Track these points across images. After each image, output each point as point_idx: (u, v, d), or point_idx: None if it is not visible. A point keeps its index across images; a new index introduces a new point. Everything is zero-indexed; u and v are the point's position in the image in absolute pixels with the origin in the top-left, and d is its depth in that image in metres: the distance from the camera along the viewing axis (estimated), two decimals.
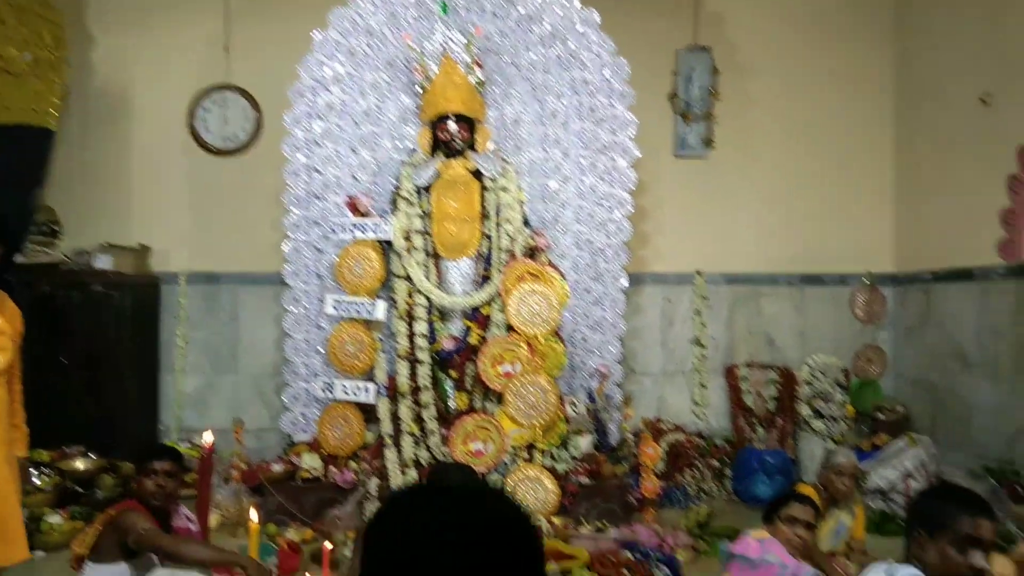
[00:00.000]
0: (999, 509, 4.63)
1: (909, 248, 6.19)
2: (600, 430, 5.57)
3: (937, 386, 5.83)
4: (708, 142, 6.31)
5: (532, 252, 5.12)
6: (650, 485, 5.33)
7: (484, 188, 5.25)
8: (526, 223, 5.29)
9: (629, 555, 4.19)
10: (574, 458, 5.08)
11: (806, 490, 3.49)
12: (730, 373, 6.34)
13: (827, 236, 6.34)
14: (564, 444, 5.14)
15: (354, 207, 5.14)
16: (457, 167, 5.22)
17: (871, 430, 6.06)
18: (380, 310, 5.06)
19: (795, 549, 2.66)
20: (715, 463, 5.96)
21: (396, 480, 4.84)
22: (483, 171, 5.23)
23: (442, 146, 5.23)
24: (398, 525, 0.96)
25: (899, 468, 5.18)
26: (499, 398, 4.92)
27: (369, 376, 5.11)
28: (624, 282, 5.63)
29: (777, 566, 2.57)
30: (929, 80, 6.05)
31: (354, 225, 5.10)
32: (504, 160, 5.36)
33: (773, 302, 6.41)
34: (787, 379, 6.20)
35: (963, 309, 5.52)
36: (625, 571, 3.98)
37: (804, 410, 6.12)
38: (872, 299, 6.27)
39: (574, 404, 5.31)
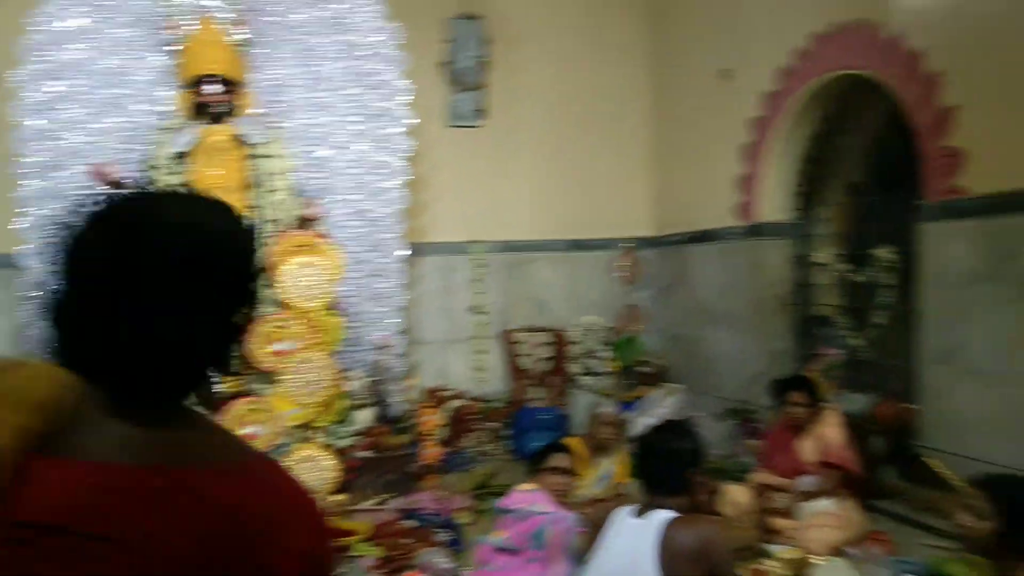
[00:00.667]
0: (738, 444, 5.21)
1: (665, 213, 6.71)
2: (382, 402, 5.54)
3: (688, 339, 6.40)
4: (480, 111, 6.41)
5: (304, 223, 4.93)
6: (431, 452, 5.41)
7: (249, 155, 4.96)
8: (296, 192, 5.08)
9: (410, 523, 4.22)
10: (355, 433, 5.00)
11: (572, 442, 3.70)
12: (507, 337, 6.56)
13: (592, 203, 6.71)
14: (344, 420, 5.04)
15: (102, 175, 4.64)
16: (219, 133, 4.87)
17: (634, 383, 6.55)
18: None
19: (558, 496, 2.80)
20: (494, 425, 6.17)
21: None
22: (247, 137, 4.94)
23: (202, 110, 4.86)
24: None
25: (657, 416, 5.63)
26: (271, 378, 4.72)
27: None
28: (402, 252, 5.59)
29: (543, 515, 2.71)
30: (679, 54, 6.55)
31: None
32: (270, 126, 5.09)
33: (544, 268, 6.70)
34: (559, 340, 6.53)
35: (708, 268, 6.09)
36: (406, 539, 4.01)
37: (575, 368, 6.49)
38: (632, 262, 6.75)
39: (354, 378, 5.23)
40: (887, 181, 4.82)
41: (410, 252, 5.74)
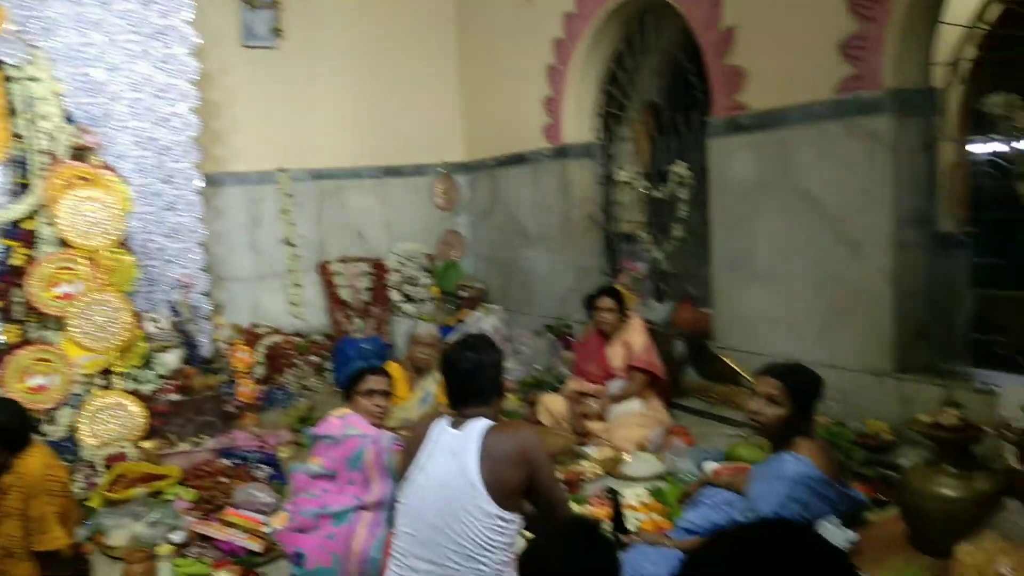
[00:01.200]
0: (555, 358, 5.42)
1: (477, 137, 6.69)
2: (189, 343, 5.25)
3: (506, 261, 6.52)
4: (276, 31, 6.03)
5: (80, 153, 4.46)
6: (246, 390, 5.21)
7: (7, 78, 4.38)
8: (69, 120, 4.56)
9: (226, 462, 4.07)
10: (161, 376, 4.70)
11: (391, 366, 3.67)
12: (323, 269, 6.37)
13: (404, 128, 6.56)
14: (148, 363, 4.72)
15: None
16: None
17: (456, 307, 6.62)
18: None
19: (375, 418, 2.78)
20: (315, 359, 6.02)
21: None
22: (2, 58, 4.35)
23: None
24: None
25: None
26: (60, 324, 4.31)
27: None
28: (199, 183, 5.23)
29: (358, 437, 2.67)
30: None
31: None
32: (30, 45, 4.50)
33: (358, 196, 6.52)
34: (378, 269, 6.44)
35: (521, 191, 6.17)
36: (222, 478, 3.86)
37: (395, 296, 6.44)
38: (448, 187, 6.73)
39: (155, 320, 4.88)
40: (681, 100, 5.06)
41: (208, 183, 5.37)
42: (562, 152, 5.64)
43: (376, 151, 6.51)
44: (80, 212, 4.31)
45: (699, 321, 4.77)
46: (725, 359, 4.53)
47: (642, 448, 3.86)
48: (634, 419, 4.04)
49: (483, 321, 5.91)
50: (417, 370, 3.93)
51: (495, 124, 6.41)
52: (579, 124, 5.57)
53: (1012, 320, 3.44)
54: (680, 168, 4.88)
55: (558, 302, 5.90)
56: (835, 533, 2.29)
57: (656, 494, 3.33)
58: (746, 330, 4.37)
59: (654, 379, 4.28)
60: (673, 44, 5.16)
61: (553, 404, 4.30)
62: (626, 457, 3.79)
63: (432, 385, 4.17)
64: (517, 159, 6.13)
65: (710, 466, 3.37)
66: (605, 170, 5.60)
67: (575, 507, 3.23)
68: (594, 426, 4.13)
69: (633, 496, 3.30)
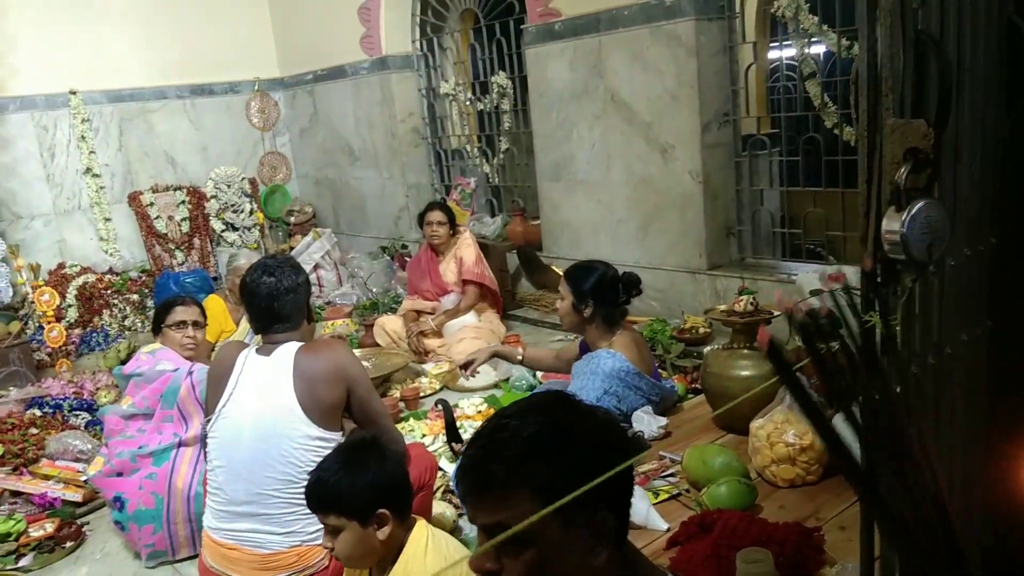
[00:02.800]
0: (390, 279, 5.36)
1: (291, 51, 6.31)
2: None
3: (334, 181, 6.30)
4: None
5: None
6: (55, 335, 4.84)
7: None
8: None
9: (37, 412, 3.78)
10: None
11: (213, 298, 3.50)
12: (135, 200, 5.90)
13: (212, 43, 6.07)
14: None
15: None
16: None
17: (287, 233, 6.36)
18: None
19: (187, 351, 2.64)
20: (134, 297, 5.64)
21: None
22: None
23: None
24: None
25: (308, 262, 5.55)
26: None
27: None
28: None
29: (171, 372, 2.54)
30: None
31: None
32: None
33: (166, 118, 6.02)
34: (195, 197, 6.04)
35: (343, 106, 5.93)
36: (33, 429, 3.59)
37: (217, 225, 6.09)
38: (264, 105, 6.35)
39: None
40: (499, 7, 4.98)
41: None
42: (382, 64, 5.43)
43: (183, 68, 6.00)
44: None
45: (530, 232, 4.84)
46: (553, 268, 4.65)
47: None
48: (469, 332, 4.09)
49: (314, 246, 5.72)
50: (239, 301, 3.75)
51: (310, 36, 6.06)
52: (398, 34, 5.37)
53: (811, 215, 3.73)
54: (501, 78, 4.85)
55: (391, 222, 5.80)
56: (648, 421, 2.44)
57: (491, 402, 3.41)
58: (571, 238, 4.49)
59: (487, 292, 4.34)
60: None
61: (390, 324, 4.27)
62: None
63: None
64: (336, 72, 5.85)
65: (538, 374, 3.49)
66: (428, 82, 5.46)
67: (412, 423, 3.27)
68: (431, 343, 4.15)
69: (471, 406, 3.36)
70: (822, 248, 3.84)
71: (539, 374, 3.55)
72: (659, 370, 3.09)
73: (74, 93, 5.57)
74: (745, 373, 2.35)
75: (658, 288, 4.00)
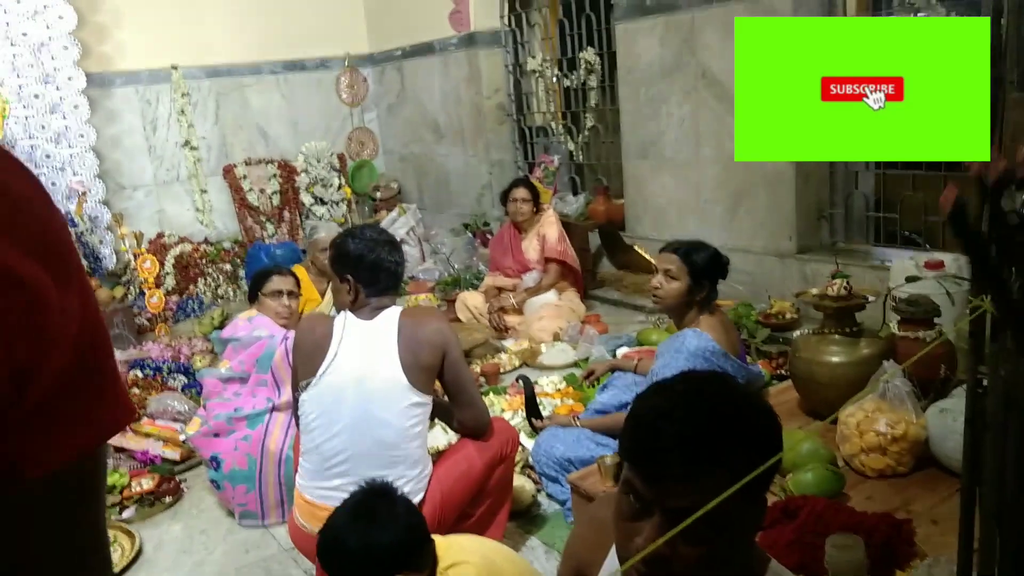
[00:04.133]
0: (472, 255, 5.41)
1: (380, 27, 6.38)
2: (90, 255, 5.04)
3: (419, 157, 6.38)
4: None
5: None
6: (155, 301, 5.07)
7: None
8: None
9: (139, 373, 4.00)
10: None
11: (297, 268, 3.61)
12: (229, 173, 6.11)
13: (304, 20, 6.19)
14: None
15: None
16: None
17: (372, 208, 6.49)
18: None
19: (282, 319, 2.74)
20: (227, 267, 5.87)
21: None
22: None
23: None
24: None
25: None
26: None
27: None
28: (81, 82, 4.88)
29: (267, 338, 2.64)
30: None
31: None
32: None
33: (260, 93, 6.20)
34: (286, 171, 6.22)
35: (430, 82, 5.98)
36: (136, 390, 3.81)
37: (307, 199, 6.26)
38: (354, 81, 6.46)
39: None
40: None
41: (95, 84, 5.02)
42: (470, 40, 5.45)
43: (276, 45, 6.16)
44: None
45: (613, 212, 4.81)
46: (637, 248, 4.60)
47: (557, 338, 3.94)
48: (550, 310, 4.10)
49: (399, 221, 5.82)
50: (321, 273, 3.87)
51: (399, 12, 6.12)
52: (486, 10, 5.38)
53: (907, 199, 3.58)
54: (589, 55, 4.80)
55: (474, 199, 5.85)
56: None
57: (570, 380, 3.42)
58: (656, 218, 4.44)
59: (569, 271, 4.33)
60: None
61: (471, 300, 4.32)
62: (542, 348, 3.87)
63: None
64: (424, 49, 5.91)
65: (622, 351, 3.48)
66: (515, 59, 5.46)
67: (492, 398, 3.31)
68: (511, 319, 4.18)
69: (549, 384, 3.38)
70: (919, 235, 3.68)
71: (620, 351, 3.54)
72: (746, 355, 3.04)
73: (175, 68, 5.79)
74: (835, 359, 2.29)
75: (745, 271, 3.91)
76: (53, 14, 4.66)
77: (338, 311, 2.15)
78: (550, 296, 4.23)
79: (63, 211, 4.78)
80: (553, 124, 5.37)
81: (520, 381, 3.10)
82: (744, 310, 3.66)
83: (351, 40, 6.42)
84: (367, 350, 2.03)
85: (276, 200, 6.20)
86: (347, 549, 1.51)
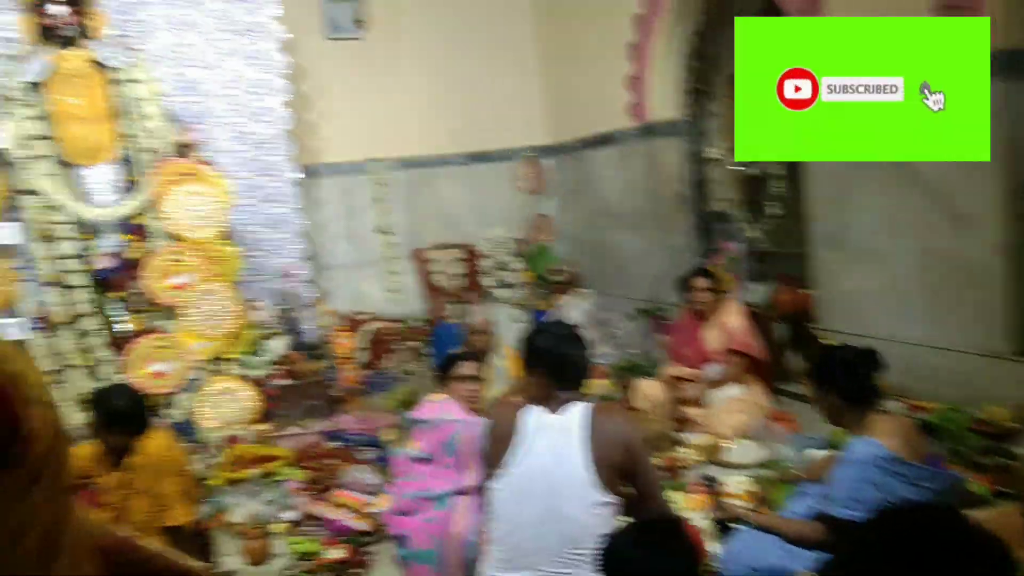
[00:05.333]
0: (649, 342, 5.36)
1: (561, 119, 6.64)
2: (295, 330, 5.46)
3: (596, 243, 6.47)
4: (359, 22, 6.13)
5: (182, 149, 4.67)
6: (350, 375, 5.38)
7: (112, 81, 4.62)
8: (170, 118, 4.78)
9: (333, 444, 4.23)
10: (270, 362, 4.92)
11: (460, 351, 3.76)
12: (418, 256, 6.50)
13: (488, 113, 6.58)
14: (257, 350, 4.94)
15: None
16: (74, 58, 4.51)
17: (549, 292, 6.63)
18: (11, 234, 4.36)
19: (468, 403, 2.83)
20: (414, 344, 6.17)
21: (72, 419, 4.35)
22: (106, 61, 4.59)
23: (50, 34, 4.47)
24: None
25: (569, 320, 5.72)
26: (174, 313, 4.56)
27: (10, 311, 4.45)
28: (295, 175, 5.40)
29: (454, 422, 2.73)
30: None
31: None
32: (130, 48, 4.73)
33: (448, 183, 6.60)
34: (470, 255, 6.52)
35: (608, 171, 6.11)
36: (330, 460, 4.02)
37: (488, 282, 6.50)
38: (534, 171, 6.73)
39: (262, 308, 5.10)
40: None
41: (305, 175, 5.55)
42: (649, 130, 5.54)
43: (462, 137, 6.57)
44: (185, 206, 4.53)
45: (799, 302, 4.61)
46: (828, 342, 4.37)
47: (742, 435, 3.78)
48: (734, 404, 3.96)
49: (575, 305, 5.90)
50: (480, 354, 4.00)
51: (579, 105, 6.35)
52: (665, 101, 5.45)
53: None
54: None
55: (651, 284, 5.83)
56: None
57: (758, 482, 3.26)
58: (849, 311, 4.21)
59: (754, 363, 4.18)
60: (758, 13, 4.97)
61: (649, 389, 4.26)
62: (726, 444, 3.73)
63: (503, 361, 4.26)
64: (603, 139, 6.06)
65: (813, 454, 3.28)
66: (695, 147, 5.47)
67: (673, 495, 3.21)
68: (692, 412, 4.07)
69: (734, 484, 3.24)
70: None
71: (810, 452, 3.34)
72: (940, 462, 2.78)
73: (373, 161, 6.30)
74: None
75: (950, 371, 3.60)
76: (274, 116, 5.22)
77: (527, 404, 2.19)
78: (733, 389, 4.09)
79: (274, 289, 5.27)
80: (734, 211, 5.29)
81: (704, 480, 3.00)
82: (952, 415, 3.35)
83: (532, 132, 6.73)
84: (555, 445, 2.05)
85: (460, 282, 6.50)
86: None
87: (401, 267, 6.47)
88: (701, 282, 4.23)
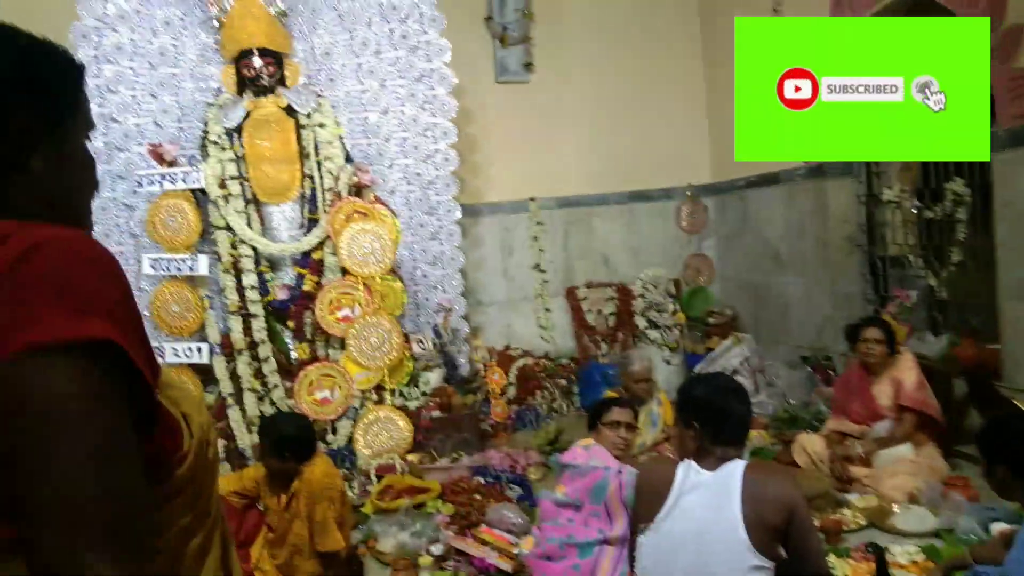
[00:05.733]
0: (812, 392, 5.08)
1: (724, 157, 6.48)
2: (449, 363, 5.62)
3: (757, 286, 6.24)
4: (528, 66, 6.31)
5: (358, 189, 4.98)
6: (499, 410, 5.47)
7: (300, 126, 5.03)
8: (348, 159, 5.12)
9: (481, 480, 4.29)
10: (424, 394, 5.09)
11: (612, 395, 3.69)
12: (571, 294, 6.52)
13: (648, 152, 6.54)
14: (413, 381, 5.13)
15: (158, 156, 4.78)
16: (268, 105, 4.95)
17: (704, 334, 6.45)
18: (203, 265, 4.80)
19: (618, 450, 2.79)
20: (563, 382, 6.18)
21: (243, 440, 4.71)
22: (296, 107, 5.00)
23: (249, 84, 4.93)
24: None
25: (726, 367, 5.53)
26: (341, 344, 4.84)
27: (201, 336, 4.88)
28: (458, 214, 5.60)
29: (602, 470, 2.70)
30: None
31: (163, 176, 4.76)
32: (318, 94, 5.13)
33: (605, 221, 6.60)
34: (623, 295, 6.46)
35: (773, 212, 5.88)
36: (477, 495, 4.07)
37: (640, 322, 6.41)
38: (695, 210, 6.59)
39: (420, 341, 5.29)
40: None
41: (467, 213, 5.73)
42: (819, 171, 5.30)
43: (623, 176, 6.56)
44: (357, 243, 4.80)
45: (983, 357, 4.21)
46: (1016, 402, 3.96)
47: (913, 499, 3.49)
48: (904, 466, 3.66)
49: (732, 350, 5.70)
50: (636, 399, 3.91)
51: None
52: None
53: None
54: (957, 185, 4.38)
55: (815, 331, 5.53)
56: None
57: (930, 552, 2.99)
58: None
59: (928, 422, 3.86)
60: None
61: (811, 444, 4.02)
62: (894, 508, 3.44)
63: (658, 408, 4.14)
64: (769, 179, 5.86)
65: (998, 528, 2.97)
66: (867, 189, 5.17)
67: (833, 559, 3.00)
68: (858, 471, 3.80)
69: (903, 554, 2.99)
70: None
71: (995, 526, 3.03)
72: None
73: (533, 200, 6.41)
74: None
75: None
76: (441, 157, 5.45)
77: (680, 458, 2.13)
78: (904, 450, 3.79)
79: (433, 324, 5.47)
80: (910, 257, 4.94)
81: (869, 547, 2.78)
82: None
83: (694, 170, 6.61)
84: (709, 504, 1.98)
85: (612, 321, 6.46)
86: None
87: (554, 304, 6.52)
88: (872, 332, 3.97)
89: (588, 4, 6.43)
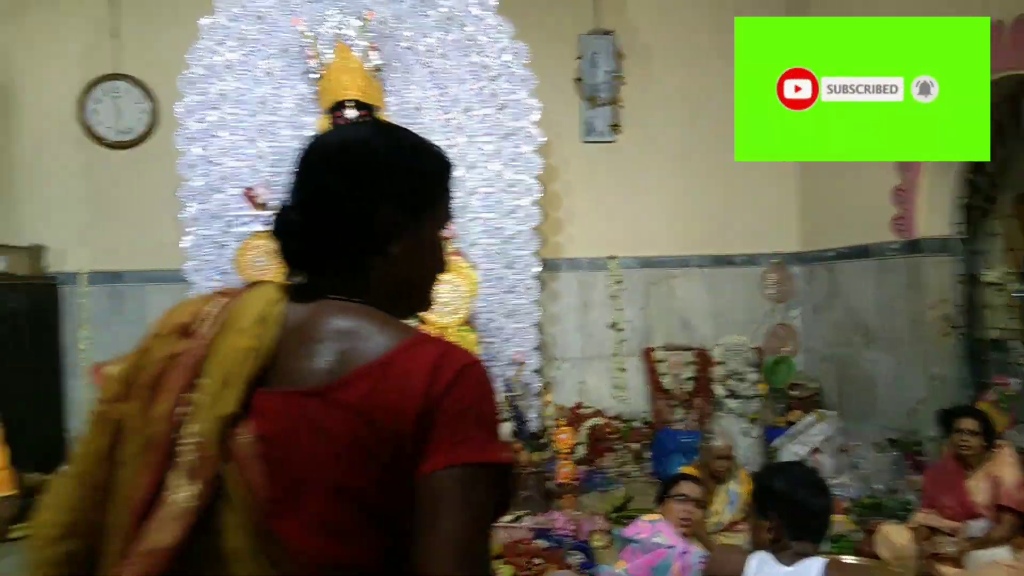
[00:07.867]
0: (899, 479, 4.79)
1: (814, 226, 6.30)
2: (518, 418, 5.55)
3: (844, 361, 5.97)
4: (615, 126, 6.32)
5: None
6: (566, 470, 5.34)
7: None
8: None
9: (542, 543, 4.18)
10: None
11: (689, 471, 3.54)
12: (647, 356, 6.39)
13: (736, 217, 6.42)
14: None
15: (252, 199, 4.96)
16: None
17: (785, 407, 6.19)
18: None
19: (684, 525, 2.67)
20: (635, 445, 6.02)
21: None
22: None
23: None
24: None
25: (807, 443, 5.30)
26: None
27: None
28: (536, 269, 5.58)
29: (666, 549, 2.58)
30: None
31: (255, 218, 4.95)
32: None
33: (686, 284, 6.47)
34: (702, 360, 6.28)
35: (863, 285, 5.65)
36: (537, 560, 3.97)
37: (719, 390, 6.21)
38: (782, 278, 6.40)
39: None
40: None
41: (545, 268, 5.72)
42: (914, 247, 5.07)
43: (707, 240, 6.44)
44: (437, 294, 4.83)
45: None
46: None
47: None
48: (1001, 571, 3.37)
49: (815, 427, 5.44)
50: (715, 478, 3.75)
51: (836, 213, 5.98)
52: (935, 217, 4.98)
53: None
54: None
55: (905, 414, 5.23)
56: None
57: None
58: None
59: None
60: None
61: (897, 536, 3.76)
62: None
63: (738, 487, 3.95)
64: (860, 251, 5.64)
65: None
66: (967, 268, 4.92)
67: None
68: (948, 571, 3.53)
69: None
70: None
71: None
72: None
73: (612, 258, 6.36)
74: None
75: None
76: (524, 213, 5.47)
77: (753, 548, 2.02)
78: (1002, 552, 3.50)
79: (503, 376, 5.43)
80: (1014, 341, 4.65)
81: None
82: None
83: (782, 238, 6.44)
84: None
85: (689, 387, 6.27)
86: None
87: (629, 365, 6.39)
88: (969, 423, 3.72)
89: (679, 68, 6.42)
